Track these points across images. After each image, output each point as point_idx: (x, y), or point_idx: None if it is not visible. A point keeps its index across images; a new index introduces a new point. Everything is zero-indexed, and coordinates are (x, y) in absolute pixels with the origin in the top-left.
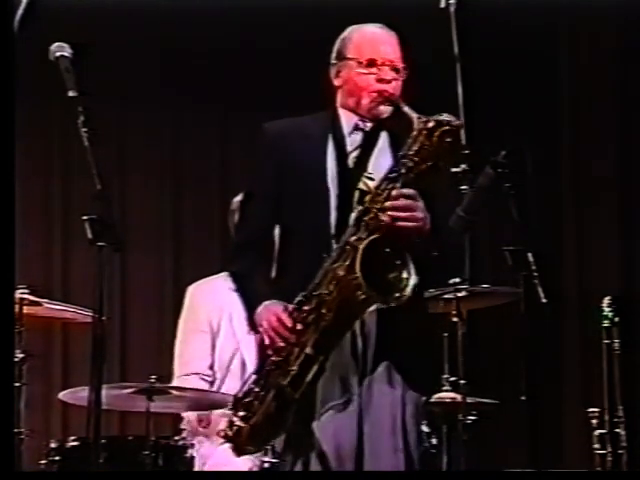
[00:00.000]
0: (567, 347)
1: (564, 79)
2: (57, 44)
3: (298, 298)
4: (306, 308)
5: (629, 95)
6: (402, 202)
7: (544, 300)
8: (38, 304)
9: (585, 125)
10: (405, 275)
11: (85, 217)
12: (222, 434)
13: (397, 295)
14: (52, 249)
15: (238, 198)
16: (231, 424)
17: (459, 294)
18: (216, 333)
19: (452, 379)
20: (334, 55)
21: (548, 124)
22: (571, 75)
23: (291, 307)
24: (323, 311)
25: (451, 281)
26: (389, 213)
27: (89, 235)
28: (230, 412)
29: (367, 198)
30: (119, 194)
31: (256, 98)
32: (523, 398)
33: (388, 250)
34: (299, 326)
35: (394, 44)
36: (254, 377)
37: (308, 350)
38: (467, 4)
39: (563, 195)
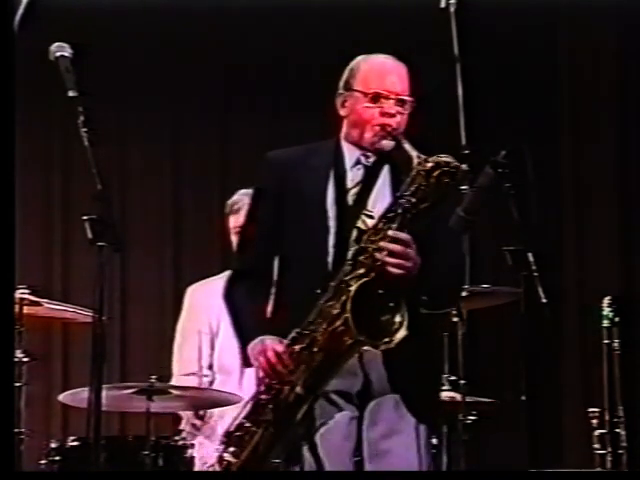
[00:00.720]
0: (567, 347)
1: (564, 79)
2: (57, 44)
3: (292, 335)
4: (298, 347)
5: (629, 95)
6: (395, 247)
7: (544, 300)
8: (38, 304)
9: (585, 125)
10: (398, 319)
11: (85, 217)
12: (211, 470)
13: (386, 340)
14: (52, 249)
15: (231, 200)
16: (221, 459)
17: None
18: (215, 334)
19: (452, 379)
20: (341, 84)
21: (548, 124)
22: (571, 75)
23: (285, 342)
24: (314, 350)
25: None
26: (381, 256)
27: (89, 235)
28: (219, 445)
29: (364, 237)
30: (119, 194)
31: (256, 98)
32: (523, 398)
33: (382, 292)
34: (291, 364)
35: (402, 75)
36: (246, 411)
37: (298, 390)
38: (467, 4)
39: (563, 195)
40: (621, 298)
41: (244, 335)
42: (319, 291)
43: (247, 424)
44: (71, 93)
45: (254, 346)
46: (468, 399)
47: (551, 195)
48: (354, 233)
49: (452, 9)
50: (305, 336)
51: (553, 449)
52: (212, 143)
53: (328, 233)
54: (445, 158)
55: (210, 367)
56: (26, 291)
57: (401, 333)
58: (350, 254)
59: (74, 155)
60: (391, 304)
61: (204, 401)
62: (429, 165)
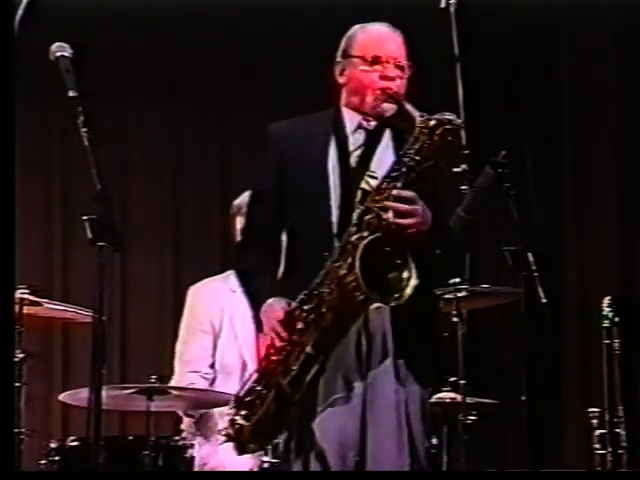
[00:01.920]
0: (567, 347)
1: (564, 79)
2: (57, 44)
3: (300, 296)
4: (307, 307)
5: (629, 95)
6: (401, 206)
7: (544, 300)
8: (38, 304)
9: (585, 125)
10: (405, 275)
11: (85, 217)
12: (224, 433)
13: (396, 295)
14: (52, 249)
15: (237, 201)
16: (233, 423)
17: (459, 294)
18: (218, 333)
19: (452, 379)
20: (339, 53)
21: (548, 124)
22: (571, 75)
23: (293, 304)
24: (323, 310)
25: (451, 281)
26: (387, 215)
27: (89, 235)
28: (229, 411)
29: (368, 197)
30: (119, 194)
31: (256, 98)
32: (523, 398)
33: (388, 249)
34: (300, 325)
35: (398, 42)
36: (256, 376)
37: (308, 349)
38: (467, 4)
39: (563, 195)
40: (621, 298)
41: (256, 301)
42: (326, 253)
43: (258, 387)
44: (71, 93)
45: (263, 310)
46: (468, 399)
47: (551, 195)
48: (359, 194)
49: (452, 9)
50: (313, 297)
51: (553, 449)
52: (212, 143)
53: (331, 195)
54: (448, 116)
55: (212, 366)
56: (26, 291)
57: (410, 288)
58: (355, 215)
59: (74, 155)
60: (398, 261)
61: (204, 401)
62: (432, 123)
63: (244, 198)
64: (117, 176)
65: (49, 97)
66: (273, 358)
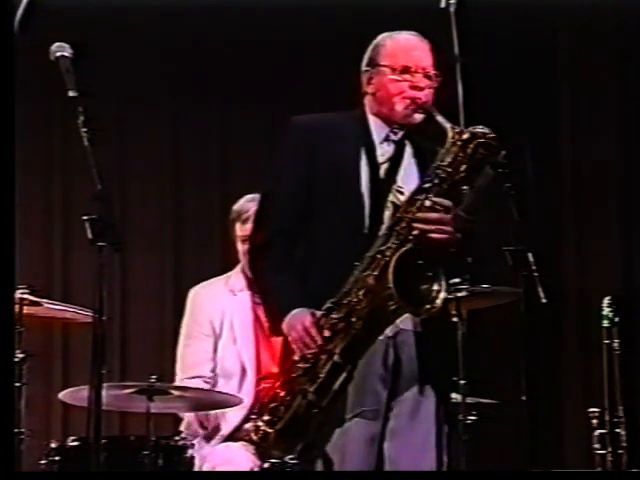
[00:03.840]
0: (567, 347)
1: (564, 79)
2: (57, 44)
3: (327, 305)
4: (335, 316)
5: (629, 95)
6: (433, 215)
7: (544, 300)
8: (38, 304)
9: (585, 125)
10: (436, 287)
11: (85, 217)
12: (247, 438)
13: (428, 307)
14: (52, 249)
15: (236, 207)
16: (257, 428)
17: (459, 294)
18: (218, 336)
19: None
20: (366, 62)
21: (548, 124)
22: (571, 75)
23: (319, 314)
24: (353, 319)
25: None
26: (419, 225)
27: (89, 235)
28: (254, 417)
29: (400, 209)
30: (119, 194)
31: (257, 97)
32: (523, 398)
33: (420, 262)
34: (327, 333)
35: (427, 51)
36: (280, 382)
37: (336, 358)
38: (467, 4)
39: (563, 195)
40: (621, 298)
41: (273, 304)
42: (357, 263)
43: (282, 394)
44: (71, 93)
45: (288, 321)
46: (468, 399)
47: (551, 195)
48: (390, 207)
49: (452, 9)
50: (342, 305)
51: (553, 449)
52: (212, 143)
53: (362, 205)
54: (481, 129)
55: (213, 370)
56: (26, 291)
57: (440, 300)
58: (385, 225)
59: (74, 155)
60: (429, 273)
61: (205, 402)
62: (465, 136)
63: (245, 204)
64: (117, 176)
65: (49, 97)
66: (299, 365)
